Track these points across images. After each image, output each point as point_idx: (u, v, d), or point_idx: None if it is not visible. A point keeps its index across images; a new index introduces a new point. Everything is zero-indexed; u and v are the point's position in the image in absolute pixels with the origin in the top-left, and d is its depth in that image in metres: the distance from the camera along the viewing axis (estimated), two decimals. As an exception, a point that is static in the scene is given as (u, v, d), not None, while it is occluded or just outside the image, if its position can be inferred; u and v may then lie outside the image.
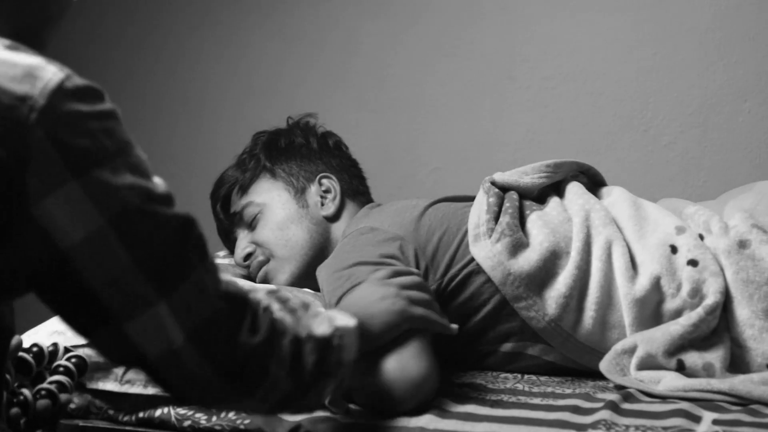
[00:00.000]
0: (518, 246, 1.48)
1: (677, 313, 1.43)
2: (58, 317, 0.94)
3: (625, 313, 1.44)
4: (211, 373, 0.95)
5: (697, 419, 1.23)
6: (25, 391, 1.23)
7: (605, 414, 1.24)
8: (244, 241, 1.75)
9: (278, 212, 1.72)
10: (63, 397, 1.26)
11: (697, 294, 1.42)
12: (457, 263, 1.51)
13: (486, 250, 1.49)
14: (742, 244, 1.45)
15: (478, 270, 1.50)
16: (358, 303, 1.31)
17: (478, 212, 1.54)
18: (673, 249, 1.47)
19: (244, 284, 1.08)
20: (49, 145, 0.85)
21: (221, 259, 1.86)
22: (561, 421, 1.23)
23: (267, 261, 1.72)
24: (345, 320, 1.14)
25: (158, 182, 0.94)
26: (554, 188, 1.66)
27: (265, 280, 1.72)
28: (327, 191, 1.75)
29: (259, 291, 1.05)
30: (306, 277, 1.68)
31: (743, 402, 1.31)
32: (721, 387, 1.32)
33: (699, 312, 1.39)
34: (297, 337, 1.02)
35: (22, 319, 1.04)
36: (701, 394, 1.32)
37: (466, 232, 1.53)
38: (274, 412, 1.21)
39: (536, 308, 1.46)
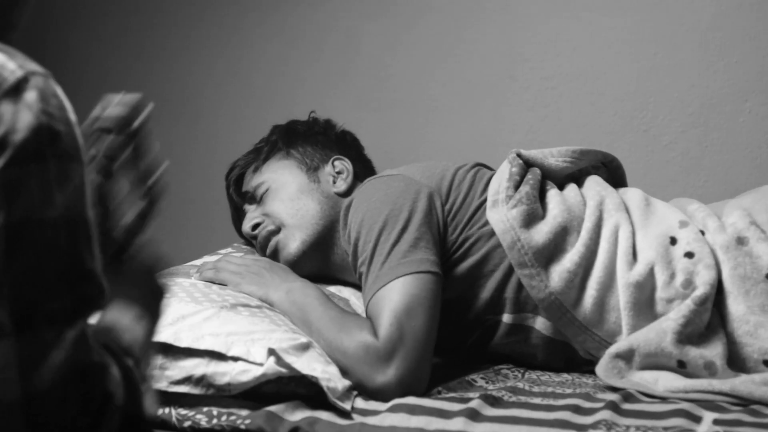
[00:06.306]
0: (533, 216, 1.52)
1: (669, 302, 1.44)
2: None
3: (621, 296, 1.46)
4: None
5: (697, 419, 1.23)
6: None
7: (606, 414, 1.24)
8: (252, 214, 1.74)
9: (288, 185, 1.72)
10: None
11: (689, 285, 1.44)
12: (473, 225, 1.56)
13: (501, 214, 1.52)
14: (740, 241, 1.46)
15: (492, 234, 1.54)
16: None
17: (500, 180, 1.58)
18: (673, 241, 1.49)
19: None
20: None
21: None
22: (562, 420, 1.23)
23: (277, 231, 1.69)
24: None
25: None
26: (574, 180, 1.68)
27: (275, 252, 1.69)
28: (340, 172, 1.76)
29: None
30: (317, 248, 1.68)
31: (744, 402, 1.31)
32: (722, 388, 1.32)
33: (689, 304, 1.40)
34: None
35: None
36: (702, 395, 1.32)
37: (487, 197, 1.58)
38: None
39: (539, 278, 1.49)
